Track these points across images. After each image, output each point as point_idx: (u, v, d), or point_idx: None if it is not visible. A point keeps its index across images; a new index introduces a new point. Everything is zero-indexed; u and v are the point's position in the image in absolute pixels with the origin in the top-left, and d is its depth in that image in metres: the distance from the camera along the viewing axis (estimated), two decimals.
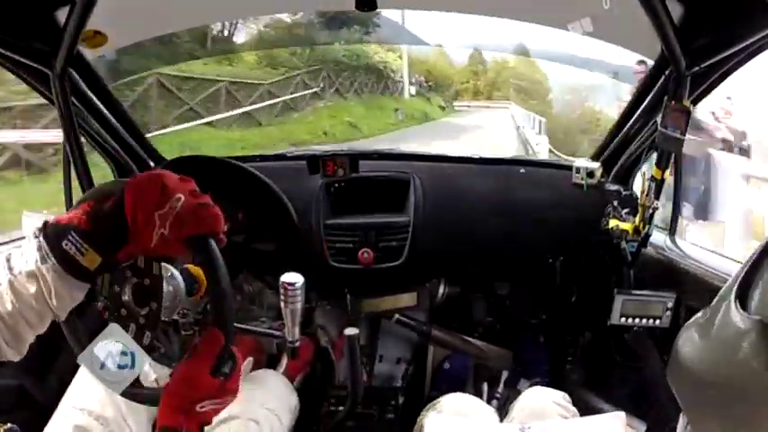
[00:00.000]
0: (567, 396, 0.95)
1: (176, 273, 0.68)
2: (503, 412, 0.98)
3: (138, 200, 0.59)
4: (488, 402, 1.18)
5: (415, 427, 0.95)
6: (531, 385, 1.36)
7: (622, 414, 0.76)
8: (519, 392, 1.37)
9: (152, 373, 0.81)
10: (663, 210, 1.21)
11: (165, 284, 0.65)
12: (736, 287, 0.49)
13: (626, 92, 3.77)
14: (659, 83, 1.15)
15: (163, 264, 0.67)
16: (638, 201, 1.20)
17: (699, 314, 0.57)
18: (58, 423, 0.81)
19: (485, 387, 1.47)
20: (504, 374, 1.49)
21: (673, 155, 1.14)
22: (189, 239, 0.59)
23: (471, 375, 1.52)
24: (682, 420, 0.68)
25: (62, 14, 0.93)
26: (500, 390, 1.47)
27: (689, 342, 0.57)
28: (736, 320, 0.46)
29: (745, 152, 3.44)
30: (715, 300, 0.53)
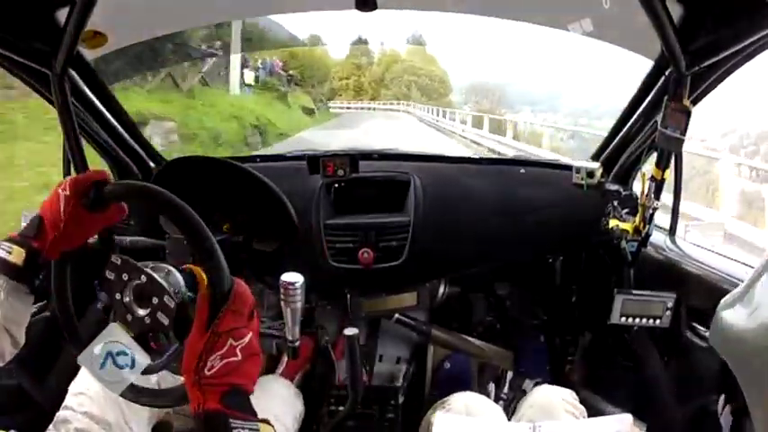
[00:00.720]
0: (574, 394, 0.96)
1: (175, 271, 0.68)
2: (509, 411, 0.99)
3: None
4: (495, 402, 1.19)
5: (422, 424, 0.95)
6: (534, 385, 1.36)
7: (629, 416, 0.77)
8: (524, 392, 1.38)
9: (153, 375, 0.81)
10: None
11: (166, 284, 0.65)
12: None
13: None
14: (659, 83, 1.15)
15: (160, 264, 0.67)
16: (638, 201, 1.21)
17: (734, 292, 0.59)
18: (59, 427, 0.81)
19: (491, 387, 1.48)
20: (509, 375, 1.50)
21: (673, 155, 1.14)
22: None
23: (474, 375, 1.52)
24: (722, 401, 0.70)
25: (62, 15, 0.93)
26: (506, 390, 1.47)
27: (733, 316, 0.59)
28: None
29: None
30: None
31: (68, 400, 0.84)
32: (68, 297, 0.69)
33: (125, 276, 0.65)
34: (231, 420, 0.54)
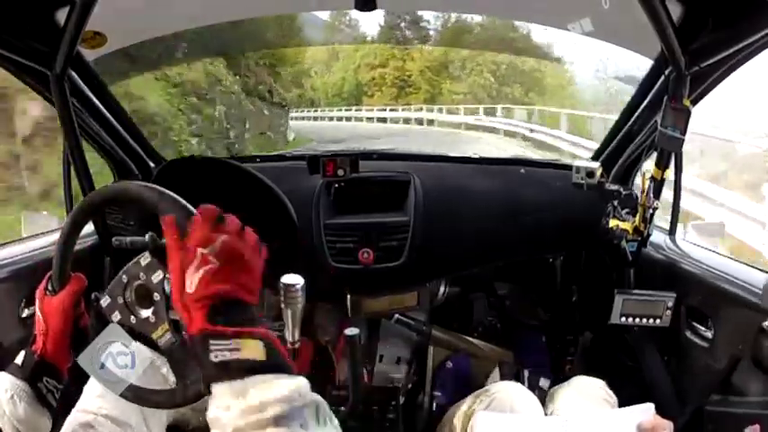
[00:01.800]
0: (605, 384, 1.00)
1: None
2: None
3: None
4: None
5: (451, 412, 0.98)
6: (551, 384, 1.37)
7: (652, 406, 0.80)
8: (543, 390, 1.39)
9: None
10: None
11: (166, 284, 0.65)
12: None
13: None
14: (659, 83, 1.15)
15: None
16: (638, 200, 1.21)
17: None
18: (75, 427, 0.79)
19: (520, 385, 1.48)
20: (526, 373, 1.50)
21: (673, 154, 1.14)
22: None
23: (476, 376, 1.52)
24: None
25: (62, 15, 0.93)
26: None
27: None
28: None
29: None
30: None
31: (87, 402, 0.82)
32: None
33: (120, 300, 0.65)
34: (211, 342, 0.49)
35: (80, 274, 0.72)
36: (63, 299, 0.70)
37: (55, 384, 0.68)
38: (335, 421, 0.52)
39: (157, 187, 0.59)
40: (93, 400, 0.82)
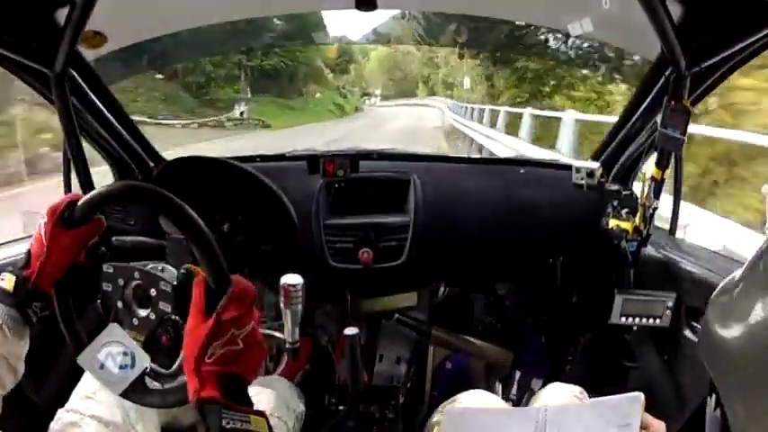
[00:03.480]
0: (583, 390, 0.95)
1: (169, 267, 0.68)
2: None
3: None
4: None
5: (428, 424, 0.95)
6: (542, 384, 1.36)
7: (641, 395, 0.76)
8: (533, 392, 1.38)
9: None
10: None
11: (158, 273, 0.65)
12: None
13: None
14: (659, 83, 1.15)
15: (154, 263, 0.67)
16: (638, 200, 1.21)
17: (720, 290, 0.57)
18: (66, 430, 0.80)
19: (498, 387, 1.48)
20: (517, 374, 1.50)
21: (673, 155, 1.14)
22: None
23: (477, 375, 1.52)
24: (710, 404, 0.67)
25: (62, 15, 0.93)
26: (514, 390, 1.48)
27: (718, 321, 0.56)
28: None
29: None
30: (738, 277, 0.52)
31: (74, 403, 0.83)
32: (74, 321, 0.69)
33: (120, 282, 0.65)
34: (224, 411, 0.54)
35: (102, 217, 0.68)
36: (79, 237, 0.66)
37: (41, 307, 0.66)
38: None
39: (207, 232, 0.58)
40: (81, 400, 0.83)
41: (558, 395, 0.94)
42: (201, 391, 0.54)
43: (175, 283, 0.63)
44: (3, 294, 0.65)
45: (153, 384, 0.64)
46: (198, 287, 0.57)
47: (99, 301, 0.66)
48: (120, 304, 0.65)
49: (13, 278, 0.66)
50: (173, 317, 0.63)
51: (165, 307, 0.63)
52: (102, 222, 0.68)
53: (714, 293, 0.57)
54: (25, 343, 0.67)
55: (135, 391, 0.64)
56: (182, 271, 0.62)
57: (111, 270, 0.66)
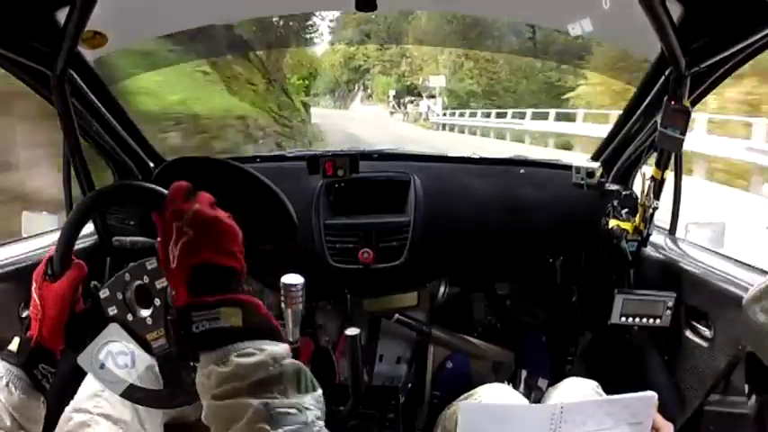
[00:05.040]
0: (598, 385, 0.98)
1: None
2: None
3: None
4: None
5: (446, 413, 0.96)
6: (548, 384, 1.37)
7: (654, 395, 0.78)
8: (540, 390, 1.38)
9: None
10: None
11: (146, 261, 0.65)
12: None
13: None
14: (659, 83, 1.15)
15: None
16: (638, 200, 1.21)
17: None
18: (76, 430, 0.79)
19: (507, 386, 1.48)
20: (524, 373, 1.50)
21: (673, 154, 1.14)
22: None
23: (477, 376, 1.52)
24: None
25: (62, 15, 0.93)
26: (521, 389, 1.48)
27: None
28: None
29: None
30: None
31: (82, 402, 0.82)
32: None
33: (119, 296, 0.65)
34: (193, 313, 0.50)
35: (81, 262, 0.70)
36: (63, 285, 0.67)
37: (49, 369, 0.66)
38: (319, 390, 0.53)
39: (128, 182, 0.61)
40: (89, 399, 0.82)
41: (578, 389, 0.95)
42: (176, 301, 0.52)
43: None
44: (8, 355, 0.66)
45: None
46: (155, 217, 0.57)
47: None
48: (129, 317, 0.66)
49: (17, 340, 0.67)
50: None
51: (162, 283, 0.63)
52: (82, 266, 0.69)
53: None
54: (37, 407, 0.67)
55: (139, 393, 0.64)
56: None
57: (107, 293, 0.66)
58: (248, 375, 0.48)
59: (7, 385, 0.64)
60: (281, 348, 0.51)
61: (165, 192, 0.58)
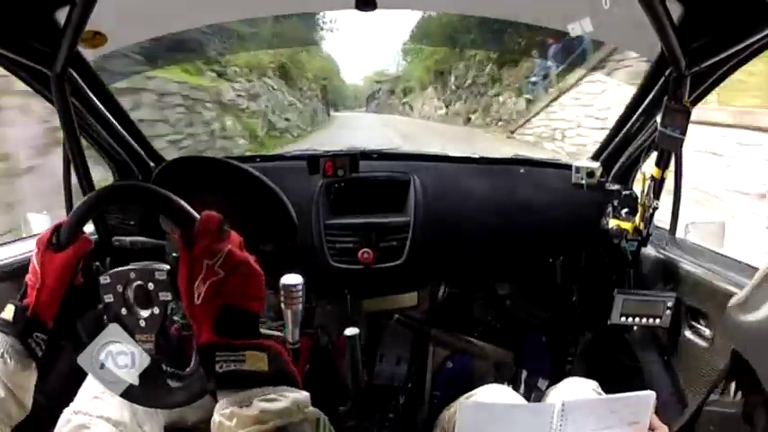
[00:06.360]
0: (598, 385, 0.98)
1: (162, 264, 0.68)
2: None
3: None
4: None
5: (446, 413, 0.96)
6: (548, 384, 1.37)
7: (653, 395, 0.79)
8: (540, 390, 1.38)
9: None
10: None
11: (151, 264, 0.65)
12: None
13: None
14: (659, 83, 1.15)
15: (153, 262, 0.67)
16: (638, 200, 1.21)
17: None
18: (72, 429, 0.79)
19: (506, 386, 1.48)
20: (524, 374, 1.50)
21: (673, 154, 1.14)
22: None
23: (477, 376, 1.52)
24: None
25: (62, 15, 0.93)
26: (521, 390, 1.48)
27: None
28: None
29: None
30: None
31: (82, 404, 0.82)
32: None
33: (119, 288, 0.65)
34: (217, 353, 0.51)
35: (89, 237, 0.69)
36: (68, 257, 0.65)
37: (42, 337, 0.65)
38: None
39: (167, 194, 0.60)
40: (89, 401, 0.82)
41: (577, 389, 0.95)
42: (199, 338, 0.52)
43: (169, 268, 0.62)
44: (3, 324, 0.65)
45: (175, 384, 0.62)
46: (179, 241, 0.56)
47: (105, 316, 0.66)
48: (123, 311, 0.65)
49: (13, 308, 0.66)
50: (175, 304, 0.63)
51: (166, 296, 0.63)
52: (89, 241, 0.69)
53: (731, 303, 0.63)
54: (30, 375, 0.66)
55: (159, 395, 0.64)
56: (173, 255, 0.62)
57: (108, 280, 0.65)
58: (272, 420, 0.49)
59: (2, 356, 0.63)
60: (302, 396, 0.53)
61: (197, 216, 0.57)
